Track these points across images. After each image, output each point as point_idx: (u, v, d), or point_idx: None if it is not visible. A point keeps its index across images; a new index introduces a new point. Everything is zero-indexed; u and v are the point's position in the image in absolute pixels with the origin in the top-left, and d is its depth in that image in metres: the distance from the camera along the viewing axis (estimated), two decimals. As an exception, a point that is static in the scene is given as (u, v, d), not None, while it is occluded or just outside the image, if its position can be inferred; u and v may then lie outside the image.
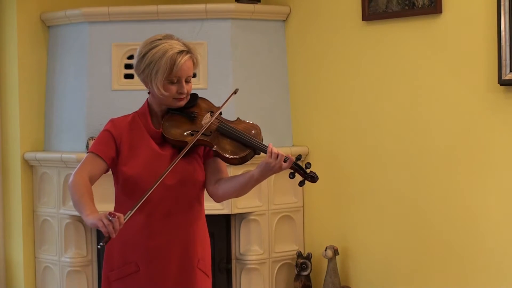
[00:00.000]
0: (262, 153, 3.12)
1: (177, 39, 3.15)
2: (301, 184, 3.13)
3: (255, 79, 5.14)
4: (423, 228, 4.65)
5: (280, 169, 3.06)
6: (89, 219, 2.92)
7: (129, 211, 2.94)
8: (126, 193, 3.14)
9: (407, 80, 4.70)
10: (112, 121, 3.20)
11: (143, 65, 3.12)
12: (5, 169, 5.33)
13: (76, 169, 3.11)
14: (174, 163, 3.05)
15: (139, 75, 3.16)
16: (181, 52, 3.10)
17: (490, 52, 4.31)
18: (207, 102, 3.25)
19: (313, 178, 3.10)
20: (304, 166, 3.10)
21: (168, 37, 3.15)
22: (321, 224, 5.14)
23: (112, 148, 3.13)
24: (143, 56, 3.12)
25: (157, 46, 3.10)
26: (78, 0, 5.34)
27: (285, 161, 3.05)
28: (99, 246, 2.94)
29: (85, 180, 3.05)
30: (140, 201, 2.97)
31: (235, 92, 3.23)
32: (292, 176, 3.12)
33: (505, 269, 4.33)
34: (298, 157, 3.10)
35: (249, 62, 5.14)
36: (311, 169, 3.10)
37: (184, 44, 3.14)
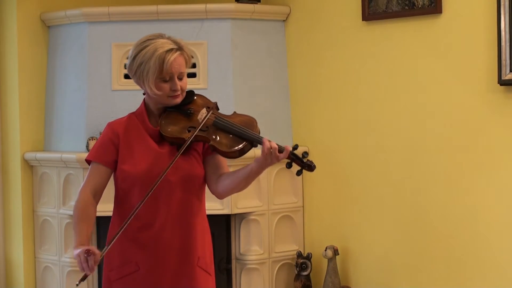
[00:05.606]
0: (260, 145, 3.12)
1: (168, 38, 3.14)
2: (299, 173, 3.11)
3: (255, 79, 5.14)
4: (424, 227, 4.65)
5: (277, 160, 3.07)
6: (74, 251, 3.04)
7: (113, 236, 3.03)
8: (125, 191, 3.15)
9: (407, 80, 4.70)
10: (109, 124, 3.22)
11: (134, 66, 3.13)
12: (5, 169, 5.33)
13: (83, 183, 3.17)
14: (173, 161, 3.06)
15: (132, 76, 3.17)
16: (170, 50, 3.09)
17: (490, 52, 4.31)
18: (203, 99, 3.25)
19: (310, 166, 3.08)
20: (301, 156, 3.09)
21: (158, 36, 3.14)
22: (321, 224, 5.14)
23: (112, 152, 3.15)
24: (134, 58, 3.13)
25: (146, 46, 3.10)
26: (78, 0, 5.34)
27: (281, 152, 3.05)
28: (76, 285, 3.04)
29: (86, 201, 3.12)
30: (132, 215, 3.03)
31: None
32: (289, 166, 3.10)
33: (506, 268, 4.33)
34: (295, 147, 3.10)
35: (249, 62, 5.14)
36: (309, 158, 3.10)
37: (175, 42, 3.13)
